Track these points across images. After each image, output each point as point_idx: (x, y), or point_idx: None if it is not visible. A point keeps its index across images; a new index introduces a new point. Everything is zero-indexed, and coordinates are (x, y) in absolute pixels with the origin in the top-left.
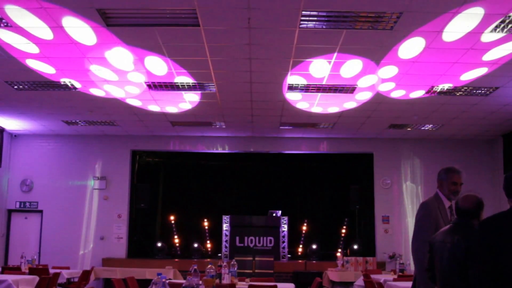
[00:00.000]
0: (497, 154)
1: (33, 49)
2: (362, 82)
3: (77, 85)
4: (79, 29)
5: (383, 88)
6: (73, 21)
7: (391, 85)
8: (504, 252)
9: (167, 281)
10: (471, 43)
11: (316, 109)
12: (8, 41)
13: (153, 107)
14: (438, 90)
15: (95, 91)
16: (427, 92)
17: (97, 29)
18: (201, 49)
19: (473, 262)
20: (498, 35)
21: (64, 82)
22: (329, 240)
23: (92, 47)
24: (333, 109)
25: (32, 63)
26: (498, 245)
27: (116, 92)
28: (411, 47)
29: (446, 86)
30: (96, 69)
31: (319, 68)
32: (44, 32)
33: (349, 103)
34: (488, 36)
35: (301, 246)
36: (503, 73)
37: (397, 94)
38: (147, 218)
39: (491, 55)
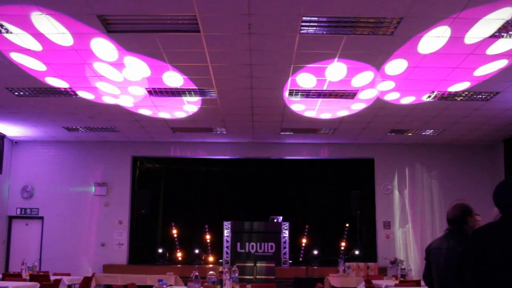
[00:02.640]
0: (498, 159)
1: (33, 53)
2: (362, 88)
3: (78, 92)
4: (80, 36)
5: (384, 93)
6: (74, 27)
7: (392, 90)
8: (494, 261)
9: None
10: (472, 48)
11: (317, 115)
12: (9, 48)
13: (153, 113)
14: (439, 95)
15: (96, 98)
16: (428, 97)
17: (98, 36)
18: (201, 55)
19: (467, 265)
20: (499, 39)
21: (65, 89)
22: (330, 246)
23: (92, 53)
24: (334, 115)
25: (31, 64)
26: (488, 254)
27: (117, 99)
28: (411, 51)
29: (447, 90)
30: (96, 76)
31: (320, 73)
32: (44, 38)
33: (350, 108)
34: (489, 41)
35: (302, 251)
36: (503, 78)
37: (398, 99)
38: (148, 224)
39: (490, 60)
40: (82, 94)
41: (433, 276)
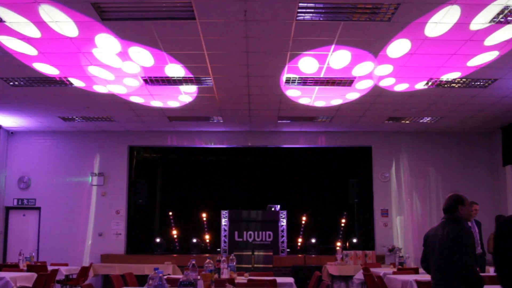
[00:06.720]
0: (495, 147)
1: (29, 46)
2: (360, 75)
3: (74, 81)
4: (74, 24)
5: (381, 80)
6: (67, 15)
7: (389, 77)
8: None
9: (164, 276)
10: (469, 35)
11: (314, 103)
12: (2, 38)
13: (150, 102)
14: (437, 82)
15: (91, 87)
16: (425, 84)
17: (92, 24)
18: (197, 42)
19: (458, 249)
20: (497, 26)
21: (60, 78)
22: (328, 234)
23: (87, 42)
24: (331, 102)
25: (27, 59)
26: None
27: (113, 88)
28: (409, 39)
29: (444, 77)
30: (92, 65)
31: (317, 61)
32: (39, 27)
33: (347, 96)
34: (486, 27)
35: (300, 240)
36: (501, 65)
37: (395, 86)
38: (145, 214)
39: (489, 46)
40: (76, 82)
41: (430, 261)
